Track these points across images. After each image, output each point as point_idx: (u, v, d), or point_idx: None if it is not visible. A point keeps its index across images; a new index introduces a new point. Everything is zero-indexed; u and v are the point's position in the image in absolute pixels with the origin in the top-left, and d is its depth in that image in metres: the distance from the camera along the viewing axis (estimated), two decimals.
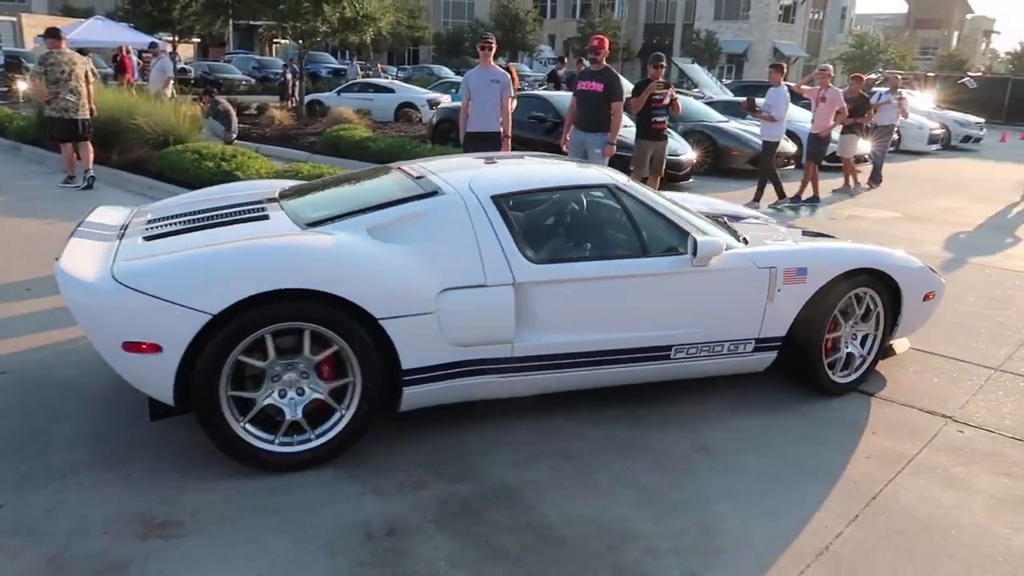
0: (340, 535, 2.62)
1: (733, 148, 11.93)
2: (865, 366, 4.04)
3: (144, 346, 2.73)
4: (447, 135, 11.82)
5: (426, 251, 3.15)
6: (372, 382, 3.00)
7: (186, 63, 29.17)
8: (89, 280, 2.83)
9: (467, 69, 7.76)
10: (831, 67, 10.56)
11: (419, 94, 18.69)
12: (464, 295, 3.12)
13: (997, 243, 8.10)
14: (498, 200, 3.37)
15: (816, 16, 55.78)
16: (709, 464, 3.22)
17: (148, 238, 3.24)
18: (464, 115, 7.26)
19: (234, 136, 11.86)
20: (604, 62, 7.33)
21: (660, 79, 7.93)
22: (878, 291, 3.96)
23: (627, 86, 8.66)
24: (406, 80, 26.39)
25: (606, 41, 7.45)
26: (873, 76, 26.48)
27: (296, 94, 18.84)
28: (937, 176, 13.58)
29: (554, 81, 16.72)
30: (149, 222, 3.54)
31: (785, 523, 2.81)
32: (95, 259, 3.03)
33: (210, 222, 3.39)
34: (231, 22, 27.59)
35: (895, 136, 12.35)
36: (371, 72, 27.66)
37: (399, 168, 4.00)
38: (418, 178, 3.63)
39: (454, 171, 3.70)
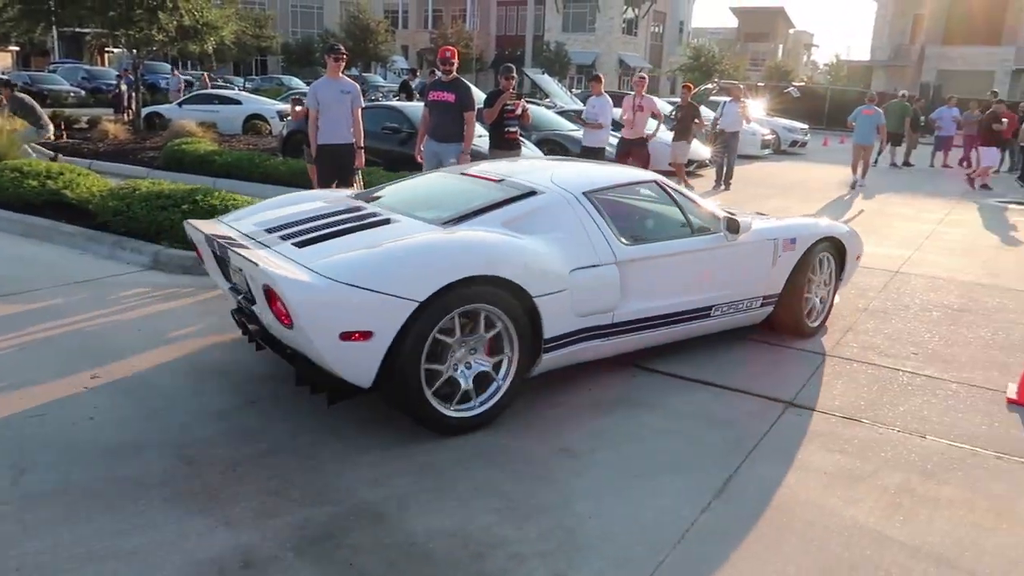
0: (190, 575, 2.46)
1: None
2: (824, 313, 5.21)
3: (357, 335, 3.04)
4: (299, 148, 11.41)
5: (551, 239, 3.72)
6: (523, 353, 3.52)
7: (3, 73, 26.74)
8: (304, 279, 3.07)
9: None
10: (646, 76, 11.13)
11: (268, 106, 18.02)
12: (586, 273, 3.75)
13: None
14: (588, 195, 4.04)
15: (656, 29, 58.75)
16: (569, 465, 3.28)
17: (299, 244, 3.50)
18: (314, 127, 7.05)
19: (49, 132, 10.85)
20: (456, 73, 7.37)
21: (512, 90, 8.06)
22: (832, 254, 5.12)
23: (479, 96, 8.74)
24: (254, 91, 25.42)
25: (456, 52, 7.50)
26: (710, 86, 28.23)
27: (132, 106, 17.67)
28: (769, 179, 14.64)
29: (406, 91, 16.60)
30: (270, 231, 3.76)
31: (644, 516, 2.90)
32: (278, 263, 3.25)
33: (344, 228, 3.66)
34: (55, 29, 25.58)
35: None
36: (197, 83, 25.99)
37: (463, 173, 4.53)
38: (499, 181, 4.18)
39: (530, 173, 4.35)
